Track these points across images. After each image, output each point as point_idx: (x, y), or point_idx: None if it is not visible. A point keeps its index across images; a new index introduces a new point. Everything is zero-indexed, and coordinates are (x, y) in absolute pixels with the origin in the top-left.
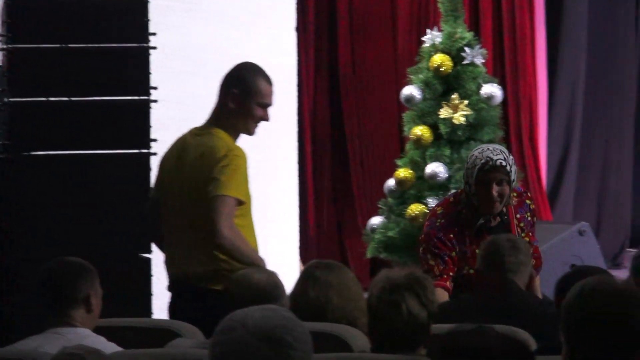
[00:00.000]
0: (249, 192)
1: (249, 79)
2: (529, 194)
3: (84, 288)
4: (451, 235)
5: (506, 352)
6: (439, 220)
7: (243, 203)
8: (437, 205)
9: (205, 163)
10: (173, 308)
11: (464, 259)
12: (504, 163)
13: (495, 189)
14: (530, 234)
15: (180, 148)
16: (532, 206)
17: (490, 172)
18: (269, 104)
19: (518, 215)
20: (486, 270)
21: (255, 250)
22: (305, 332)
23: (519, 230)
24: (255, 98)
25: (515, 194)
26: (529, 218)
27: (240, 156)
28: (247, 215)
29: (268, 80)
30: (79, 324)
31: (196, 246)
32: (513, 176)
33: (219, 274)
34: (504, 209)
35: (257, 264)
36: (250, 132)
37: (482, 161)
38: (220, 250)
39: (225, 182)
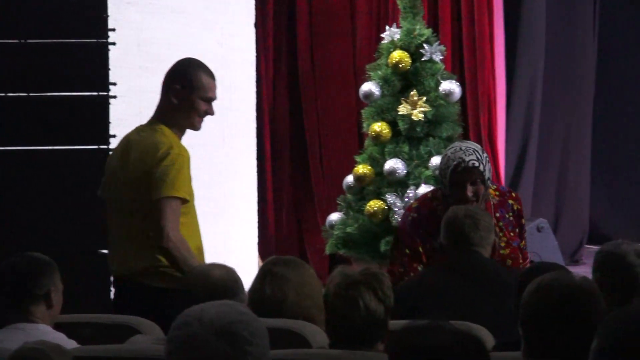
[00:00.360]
0: (192, 190)
1: (191, 74)
2: (513, 194)
3: (45, 284)
4: (421, 231)
5: (461, 349)
6: (411, 215)
7: (187, 202)
8: (415, 200)
9: (148, 160)
10: (116, 304)
11: (435, 255)
12: (476, 164)
13: (469, 190)
14: (512, 234)
15: (124, 146)
16: (515, 206)
17: (463, 173)
18: (212, 98)
19: (497, 214)
20: (451, 245)
21: (195, 257)
22: (262, 328)
23: (496, 229)
24: (198, 92)
25: (498, 193)
26: (511, 218)
27: (183, 155)
28: (191, 212)
29: (210, 75)
30: (40, 319)
31: (138, 243)
32: (487, 174)
33: (159, 270)
34: (482, 205)
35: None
36: (195, 127)
37: (455, 162)
38: (162, 253)
39: (170, 182)
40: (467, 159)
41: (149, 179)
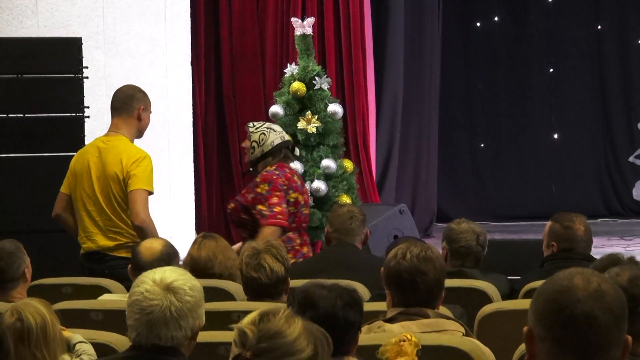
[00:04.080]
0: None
1: (147, 98)
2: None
3: (21, 266)
4: None
5: (339, 296)
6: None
7: (152, 194)
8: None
9: (124, 164)
10: (84, 268)
11: None
12: (249, 124)
13: (245, 142)
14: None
15: (93, 153)
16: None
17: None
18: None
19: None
20: (335, 233)
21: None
22: (198, 285)
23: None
24: (149, 111)
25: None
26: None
27: (150, 159)
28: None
29: None
30: (16, 299)
31: (109, 227)
32: (257, 141)
33: (123, 246)
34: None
35: None
36: (142, 136)
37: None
38: (137, 230)
39: (142, 179)
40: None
41: (126, 177)
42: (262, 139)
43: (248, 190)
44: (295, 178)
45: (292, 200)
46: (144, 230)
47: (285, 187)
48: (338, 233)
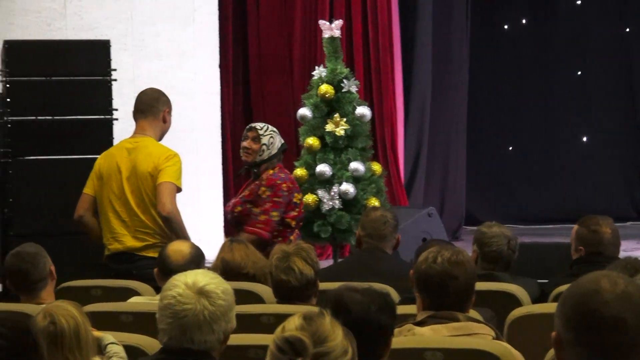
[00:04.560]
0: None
1: (169, 100)
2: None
3: (46, 265)
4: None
5: (372, 300)
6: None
7: (180, 190)
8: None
9: (156, 162)
10: (110, 270)
11: None
12: (257, 126)
13: (247, 142)
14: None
15: (122, 154)
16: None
17: (248, 130)
18: None
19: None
20: (367, 237)
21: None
22: (229, 289)
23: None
24: (171, 113)
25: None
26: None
27: (179, 157)
28: None
29: None
30: (47, 301)
31: (137, 228)
32: (267, 144)
33: (151, 246)
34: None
35: (187, 237)
36: (162, 138)
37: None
38: (164, 221)
39: (170, 173)
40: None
41: (156, 175)
42: (271, 142)
43: (252, 192)
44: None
45: (297, 202)
46: (171, 221)
47: (287, 194)
48: (370, 237)
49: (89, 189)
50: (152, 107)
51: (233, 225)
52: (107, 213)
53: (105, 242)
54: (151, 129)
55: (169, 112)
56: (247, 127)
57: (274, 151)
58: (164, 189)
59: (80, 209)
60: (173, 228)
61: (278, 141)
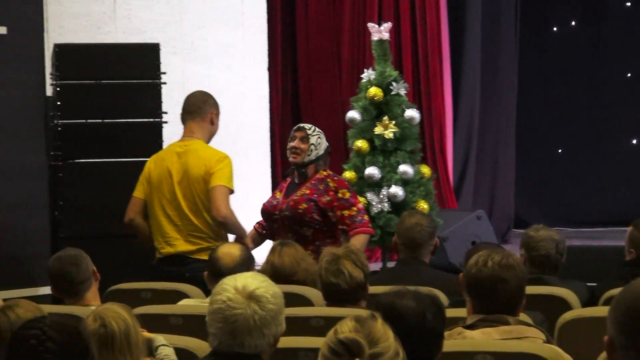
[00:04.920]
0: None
1: (217, 103)
2: (335, 178)
3: (88, 265)
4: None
5: (428, 311)
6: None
7: (233, 192)
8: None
9: (207, 165)
10: (161, 272)
11: None
12: (306, 127)
13: (296, 142)
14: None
15: (172, 158)
16: (332, 184)
17: (296, 130)
18: None
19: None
20: (402, 246)
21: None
22: (279, 292)
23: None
24: (219, 116)
25: (325, 174)
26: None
27: (230, 159)
28: None
29: None
30: (92, 303)
31: (190, 232)
32: (315, 144)
33: (205, 249)
34: (310, 171)
35: (244, 235)
36: (209, 141)
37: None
38: (220, 224)
39: (222, 176)
40: (300, 125)
41: (208, 179)
42: (319, 142)
43: (314, 191)
44: None
45: None
46: (228, 225)
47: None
48: (405, 246)
49: (139, 193)
50: (200, 109)
51: (286, 223)
52: (158, 217)
53: (157, 245)
54: (199, 131)
55: (217, 115)
56: (295, 127)
57: (321, 152)
58: (217, 192)
59: (130, 212)
60: (230, 230)
61: (324, 142)
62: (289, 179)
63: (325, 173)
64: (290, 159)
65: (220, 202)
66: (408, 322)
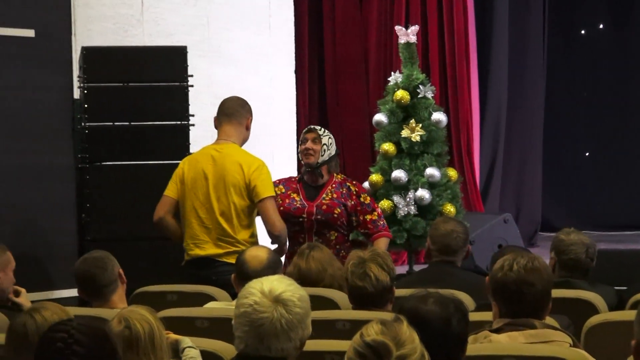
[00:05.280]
0: None
1: (252, 111)
2: (353, 182)
3: (114, 268)
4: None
5: (453, 317)
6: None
7: (275, 197)
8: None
9: (245, 171)
10: (189, 275)
11: None
12: (317, 127)
13: (309, 143)
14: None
15: (208, 161)
16: (353, 188)
17: (307, 132)
18: None
19: (335, 188)
20: (436, 252)
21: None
22: (305, 295)
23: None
24: (251, 124)
25: (341, 178)
26: (345, 192)
27: (266, 165)
28: None
29: None
30: (118, 305)
31: (220, 236)
32: (327, 144)
33: (233, 253)
34: (326, 177)
35: (286, 250)
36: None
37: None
38: (273, 237)
39: (267, 186)
40: (311, 126)
41: (249, 186)
42: (330, 142)
43: (339, 195)
44: None
45: None
46: (281, 239)
47: None
48: (439, 252)
49: (170, 192)
50: (238, 112)
51: (313, 227)
52: (190, 219)
53: (185, 247)
54: (235, 135)
55: (251, 122)
56: (305, 129)
57: (333, 152)
58: (267, 206)
59: (160, 211)
60: (280, 244)
61: (334, 142)
62: (294, 181)
63: (340, 177)
64: (304, 161)
65: (275, 218)
66: (432, 327)
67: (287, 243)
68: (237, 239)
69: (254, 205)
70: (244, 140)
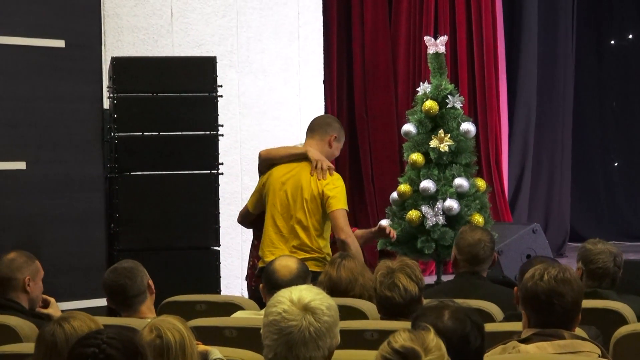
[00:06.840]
0: None
1: (342, 131)
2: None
3: (144, 279)
4: None
5: (471, 333)
6: None
7: (348, 211)
8: None
9: (320, 184)
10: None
11: None
12: None
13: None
14: None
15: (286, 172)
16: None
17: None
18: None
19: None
20: (463, 261)
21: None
22: (334, 304)
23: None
24: (341, 143)
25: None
26: None
27: (342, 179)
28: None
29: None
30: (147, 315)
31: (294, 246)
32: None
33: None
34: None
35: (361, 256)
36: None
37: None
38: (342, 246)
39: (340, 199)
40: None
41: (324, 198)
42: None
43: None
44: None
45: None
46: (348, 244)
47: None
48: (466, 261)
49: (249, 204)
50: (321, 129)
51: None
52: (267, 227)
53: (261, 254)
54: (316, 149)
55: (337, 140)
56: None
57: None
58: (338, 215)
59: (239, 217)
60: (351, 250)
61: None
62: None
63: None
64: None
65: (342, 224)
66: (451, 345)
67: (360, 252)
68: (312, 247)
69: (327, 216)
70: (327, 156)
